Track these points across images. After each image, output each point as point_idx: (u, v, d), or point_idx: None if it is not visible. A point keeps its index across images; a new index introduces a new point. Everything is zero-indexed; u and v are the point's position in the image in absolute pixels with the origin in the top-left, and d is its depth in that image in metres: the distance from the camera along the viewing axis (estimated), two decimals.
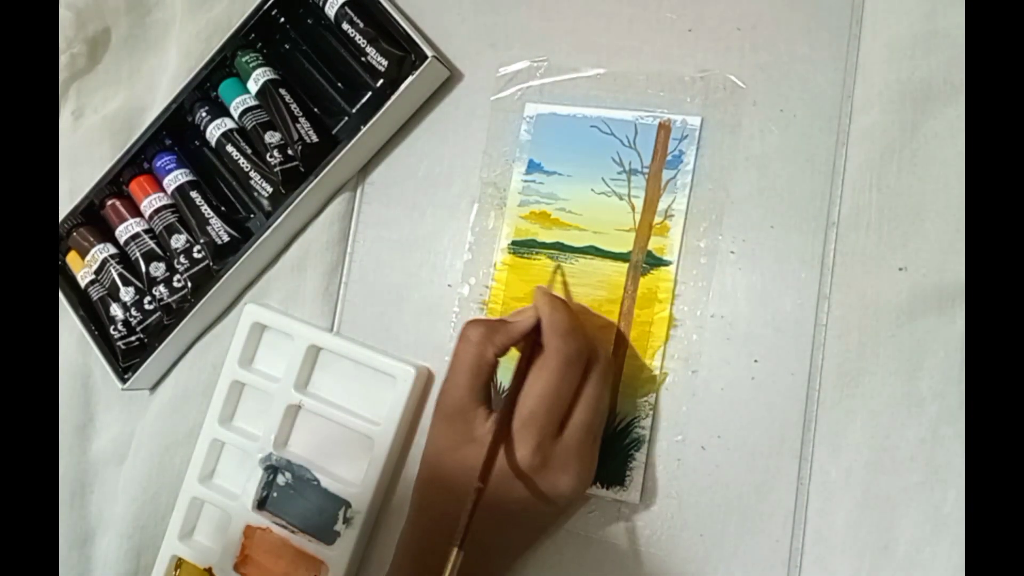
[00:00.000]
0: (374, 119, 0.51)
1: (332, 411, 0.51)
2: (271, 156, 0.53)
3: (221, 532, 0.52)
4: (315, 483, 0.51)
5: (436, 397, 0.44)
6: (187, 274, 0.54)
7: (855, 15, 0.45)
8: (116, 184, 0.58)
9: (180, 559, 0.53)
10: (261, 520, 0.51)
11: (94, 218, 0.58)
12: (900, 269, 0.43)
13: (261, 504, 0.52)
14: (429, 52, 0.50)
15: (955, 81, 0.43)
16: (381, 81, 0.52)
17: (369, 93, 0.52)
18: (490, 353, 0.42)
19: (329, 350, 0.52)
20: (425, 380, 0.50)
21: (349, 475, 0.50)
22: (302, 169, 0.53)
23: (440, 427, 0.43)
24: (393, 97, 0.51)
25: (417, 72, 0.50)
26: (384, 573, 0.46)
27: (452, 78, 0.52)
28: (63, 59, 0.61)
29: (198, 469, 0.53)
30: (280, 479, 0.52)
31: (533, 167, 0.49)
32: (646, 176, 0.47)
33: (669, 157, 0.47)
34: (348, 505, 0.49)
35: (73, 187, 0.59)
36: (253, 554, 0.52)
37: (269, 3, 0.56)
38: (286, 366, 0.52)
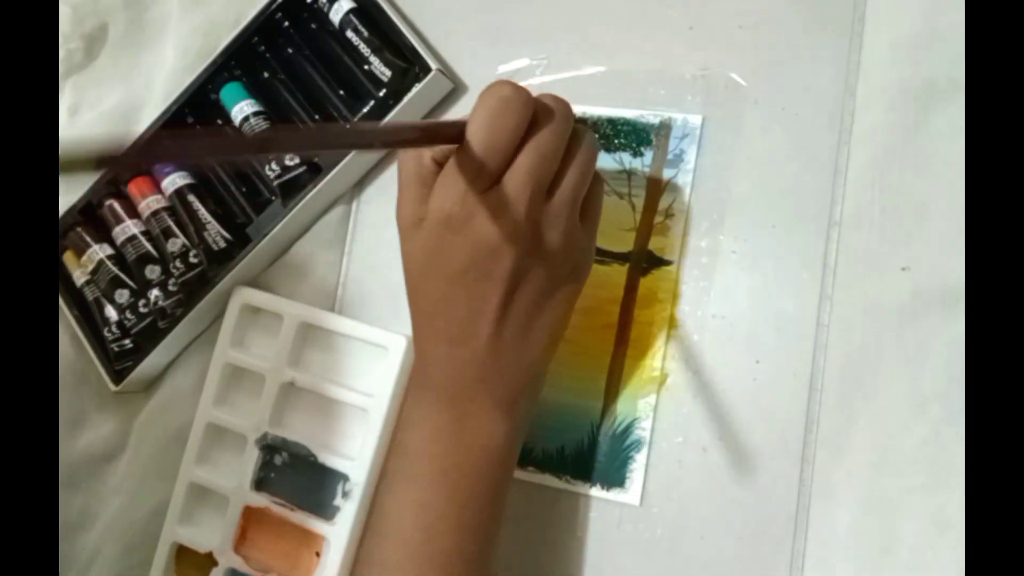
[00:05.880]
0: None
1: (326, 386, 0.53)
2: (269, 169, 0.53)
3: (220, 515, 0.54)
4: (312, 459, 0.52)
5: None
6: (182, 278, 0.55)
7: (857, 13, 0.46)
8: (115, 184, 0.59)
9: (180, 545, 0.55)
10: (260, 500, 0.53)
11: (92, 218, 0.59)
12: (903, 269, 0.43)
13: (259, 484, 0.53)
14: (433, 65, 0.51)
15: (958, 79, 0.44)
16: (384, 91, 0.53)
17: (372, 102, 0.53)
18: (427, 157, 0.40)
19: (320, 326, 0.54)
20: None
21: (346, 448, 0.52)
22: (303, 179, 0.53)
23: (406, 243, 0.42)
24: (396, 109, 0.52)
25: (421, 84, 0.51)
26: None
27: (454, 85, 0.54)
28: (60, 55, 0.62)
29: (194, 454, 0.55)
30: (277, 459, 0.53)
31: None
32: (646, 175, 0.48)
33: (670, 156, 0.47)
34: (346, 478, 0.51)
35: (70, 184, 0.60)
36: (253, 535, 0.53)
37: (274, 6, 0.56)
38: (278, 345, 0.54)
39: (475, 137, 0.37)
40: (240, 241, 0.56)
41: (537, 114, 0.38)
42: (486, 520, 0.42)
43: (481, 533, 0.42)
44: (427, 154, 0.40)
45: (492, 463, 0.42)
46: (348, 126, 0.33)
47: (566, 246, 0.40)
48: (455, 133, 0.38)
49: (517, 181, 0.38)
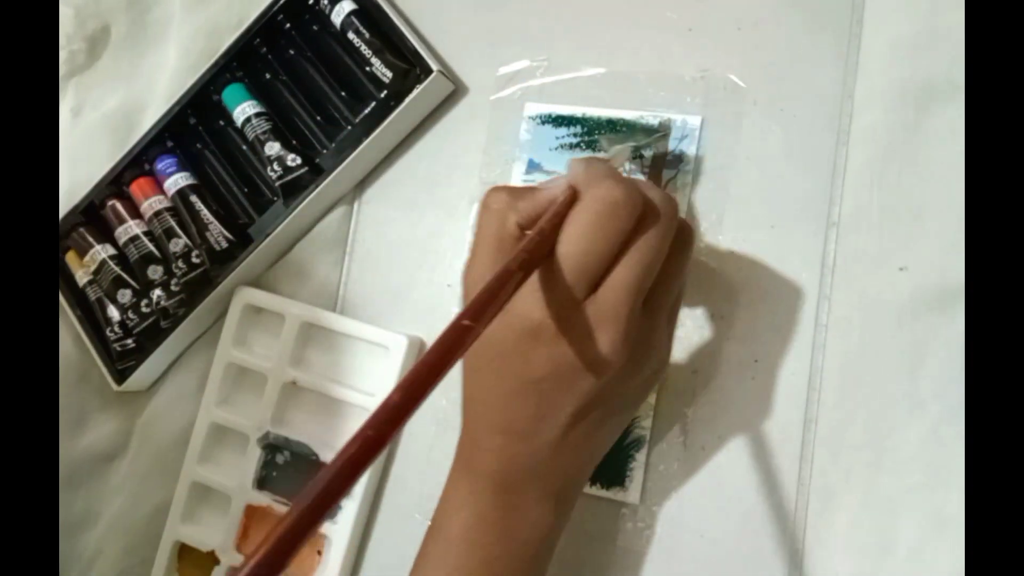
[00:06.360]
0: (377, 131, 0.53)
1: (327, 385, 0.53)
2: (271, 170, 0.53)
3: (222, 514, 0.54)
4: (314, 458, 0.53)
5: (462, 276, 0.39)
6: (185, 278, 0.55)
7: (856, 14, 0.46)
8: (117, 184, 0.59)
9: (182, 544, 0.55)
10: (262, 499, 0.53)
11: (94, 218, 0.60)
12: (901, 269, 0.43)
13: (261, 483, 0.54)
14: (435, 66, 0.51)
15: (956, 80, 0.44)
16: (385, 92, 0.53)
17: (373, 103, 0.53)
18: (511, 222, 0.37)
19: (322, 326, 0.54)
20: (418, 349, 0.52)
21: None
22: (304, 180, 0.54)
23: None
24: (397, 110, 0.52)
25: (422, 86, 0.52)
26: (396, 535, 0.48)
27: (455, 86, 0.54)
28: (62, 56, 0.63)
29: (196, 453, 0.55)
30: (279, 457, 0.54)
31: (533, 167, 0.50)
32: (646, 176, 0.48)
33: (669, 157, 0.47)
34: None
35: (72, 184, 0.61)
36: (255, 533, 0.54)
37: (276, 7, 0.56)
38: (279, 345, 0.54)
39: (570, 251, 0.34)
40: (242, 241, 0.56)
41: (644, 215, 0.35)
42: None
43: None
44: (512, 218, 0.37)
45: (536, 553, 0.39)
46: (455, 335, 0.29)
47: (654, 354, 0.38)
48: (548, 248, 0.34)
49: (616, 298, 0.35)
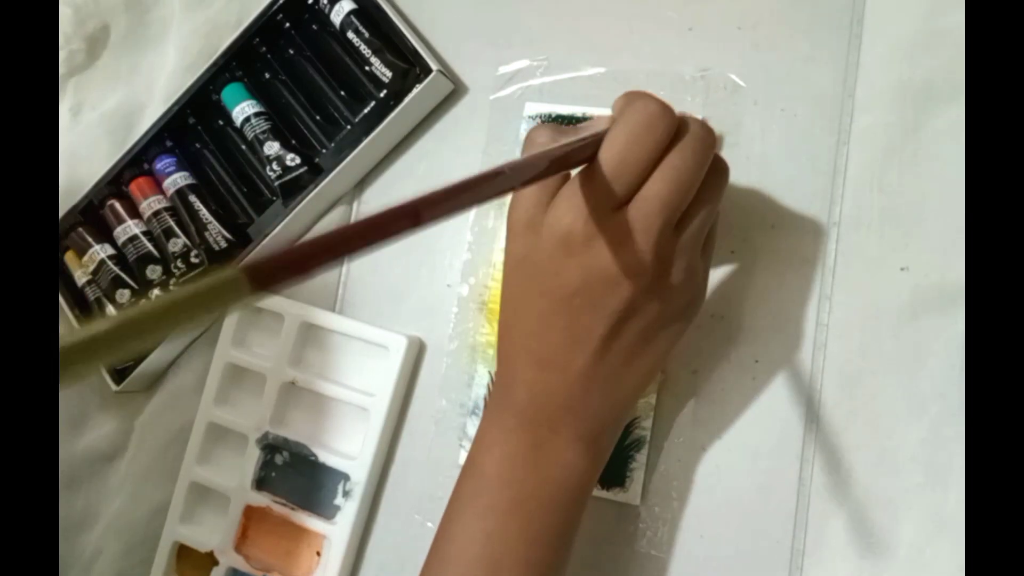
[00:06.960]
0: (377, 131, 0.53)
1: (327, 386, 0.53)
2: (270, 170, 0.53)
3: (221, 515, 0.54)
4: (313, 459, 0.53)
5: (506, 214, 0.40)
6: (184, 279, 0.55)
7: (856, 14, 0.46)
8: (116, 184, 0.59)
9: (181, 544, 0.55)
10: (261, 500, 0.53)
11: (93, 218, 0.59)
12: (902, 269, 0.43)
13: (260, 484, 0.54)
14: (434, 66, 0.51)
15: (957, 80, 0.44)
16: (385, 92, 0.53)
17: (372, 103, 0.53)
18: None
19: (321, 326, 0.54)
20: (417, 349, 0.52)
21: (346, 448, 0.52)
22: (304, 180, 0.54)
23: (513, 243, 0.39)
24: (396, 110, 0.52)
25: (421, 85, 0.52)
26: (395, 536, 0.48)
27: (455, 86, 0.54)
28: (61, 55, 0.63)
29: (195, 453, 0.55)
30: (278, 458, 0.53)
31: None
32: None
33: None
34: (347, 478, 0.51)
35: (71, 184, 0.60)
36: (254, 534, 0.54)
37: (276, 7, 0.56)
38: (279, 345, 0.54)
39: (609, 155, 0.35)
40: (241, 241, 0.56)
41: (679, 134, 0.36)
42: (554, 560, 0.39)
43: (547, 573, 0.39)
44: (556, 156, 0.36)
45: (567, 498, 0.39)
46: (492, 174, 0.31)
47: (685, 283, 0.38)
48: (588, 154, 0.35)
49: (648, 209, 0.35)
